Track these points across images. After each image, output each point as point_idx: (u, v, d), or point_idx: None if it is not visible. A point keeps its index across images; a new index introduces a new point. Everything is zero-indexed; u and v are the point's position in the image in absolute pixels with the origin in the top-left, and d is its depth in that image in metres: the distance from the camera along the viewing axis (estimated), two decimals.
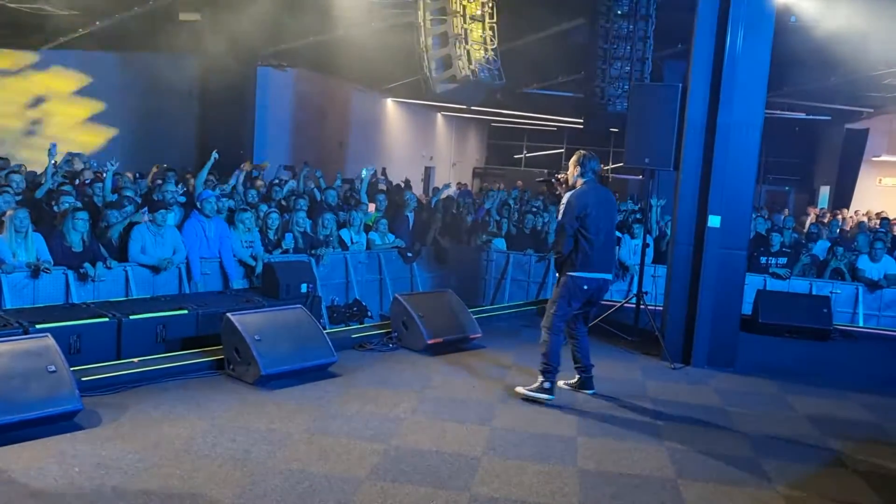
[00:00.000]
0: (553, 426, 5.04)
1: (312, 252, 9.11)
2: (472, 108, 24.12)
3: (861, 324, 9.50)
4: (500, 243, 11.05)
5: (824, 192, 24.41)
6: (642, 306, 7.54)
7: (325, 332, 6.20)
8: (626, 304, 7.58)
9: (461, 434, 4.82)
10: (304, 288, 7.14)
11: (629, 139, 7.11)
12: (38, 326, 5.48)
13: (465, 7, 7.96)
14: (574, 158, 5.62)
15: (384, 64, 15.65)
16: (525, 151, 32.95)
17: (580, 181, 5.54)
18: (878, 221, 14.40)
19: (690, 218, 6.79)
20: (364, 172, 10.77)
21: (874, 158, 21.61)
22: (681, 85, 6.76)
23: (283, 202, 10.38)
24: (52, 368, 4.57)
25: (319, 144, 18.49)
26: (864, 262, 9.99)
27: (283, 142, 17.57)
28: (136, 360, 5.60)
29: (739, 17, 6.49)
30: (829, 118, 21.58)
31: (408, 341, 6.80)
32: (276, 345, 5.62)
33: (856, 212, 18.99)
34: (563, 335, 5.57)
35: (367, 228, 10.20)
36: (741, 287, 6.85)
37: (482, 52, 8.34)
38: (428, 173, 26.47)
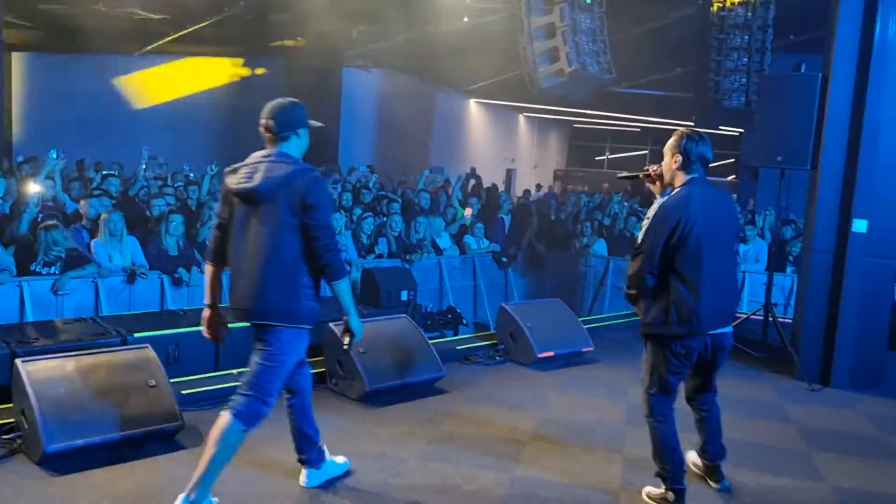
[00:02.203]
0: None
1: (406, 257, 8.75)
2: (556, 108, 23.61)
3: None
4: (600, 248, 10.47)
5: None
6: (771, 319, 6.86)
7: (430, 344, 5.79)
8: (752, 317, 6.91)
9: (592, 463, 4.32)
10: (404, 295, 6.77)
11: (757, 135, 6.46)
12: (136, 335, 5.24)
13: None
14: (672, 141, 3.67)
15: (470, 63, 15.31)
16: (608, 153, 32.12)
17: (681, 177, 3.63)
18: None
19: (831, 223, 6.11)
20: (440, 177, 10.27)
21: None
22: (821, 74, 6.07)
23: (374, 204, 10.06)
24: (153, 382, 4.29)
25: (402, 146, 18.21)
26: None
27: (367, 142, 17.37)
28: (235, 371, 5.30)
29: (891, 3, 5.78)
30: None
31: (516, 354, 6.33)
32: (382, 358, 5.23)
33: None
34: (671, 418, 3.76)
35: (463, 231, 9.79)
36: (891, 300, 6.13)
37: (591, 43, 7.82)
38: (510, 175, 25.96)
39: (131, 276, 6.80)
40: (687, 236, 3.49)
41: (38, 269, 6.49)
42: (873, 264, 6.00)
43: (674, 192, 3.63)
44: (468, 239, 9.63)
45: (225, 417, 3.29)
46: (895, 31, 5.81)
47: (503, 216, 10.33)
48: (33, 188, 7.25)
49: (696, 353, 3.65)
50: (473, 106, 22.80)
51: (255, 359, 3.39)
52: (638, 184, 4.23)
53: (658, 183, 3.78)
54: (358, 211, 9.12)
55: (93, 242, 6.93)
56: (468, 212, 9.86)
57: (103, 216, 6.92)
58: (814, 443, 4.90)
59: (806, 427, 5.19)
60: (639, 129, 28.80)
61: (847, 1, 5.95)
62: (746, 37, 8.87)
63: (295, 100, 3.46)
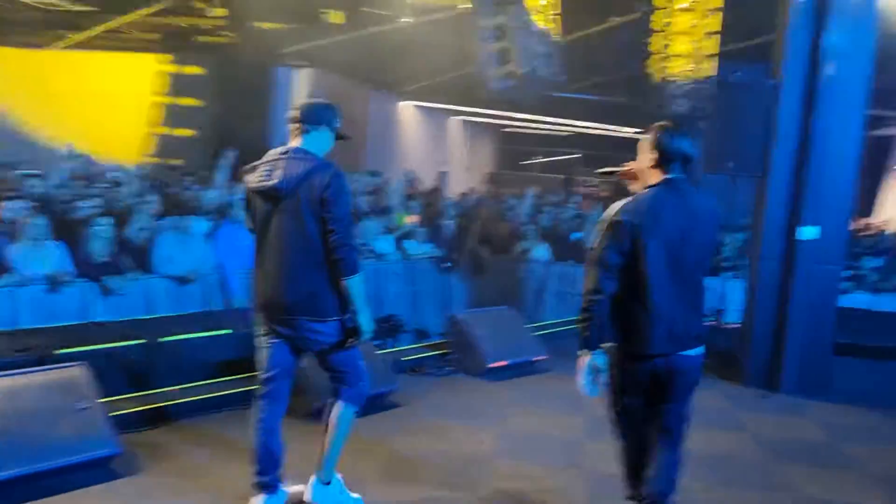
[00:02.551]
0: None
1: None
2: (486, 111, 23.60)
3: None
4: (540, 252, 10.37)
5: None
6: (716, 324, 6.87)
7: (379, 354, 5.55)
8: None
9: (557, 481, 4.16)
10: None
11: (709, 141, 6.44)
12: (61, 352, 4.81)
13: None
14: (649, 137, 3.18)
15: (408, 64, 15.08)
16: (538, 156, 32.39)
17: (656, 176, 3.14)
18: None
19: (780, 230, 6.13)
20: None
21: None
22: (773, 82, 6.09)
23: None
24: (84, 405, 3.92)
25: (338, 147, 17.82)
26: None
27: None
28: (176, 388, 4.94)
29: (841, 10, 5.84)
30: None
31: (467, 364, 6.14)
32: None
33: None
34: (635, 444, 3.35)
35: (403, 235, 9.55)
36: (835, 306, 6.19)
37: (542, 45, 7.72)
38: (442, 178, 25.81)
39: (54, 285, 6.32)
40: (644, 244, 2.98)
41: None
42: (820, 271, 6.05)
43: (639, 193, 3.14)
44: (407, 244, 9.40)
45: (334, 407, 3.52)
46: (844, 38, 5.86)
47: (445, 221, 10.14)
48: None
49: (651, 376, 3.13)
50: (407, 108, 22.58)
51: (317, 354, 3.50)
52: (612, 179, 3.46)
53: (639, 181, 3.25)
54: None
55: (10, 247, 6.41)
56: (412, 219, 9.64)
57: (23, 220, 6.42)
58: (771, 452, 4.87)
59: (760, 435, 5.16)
60: (570, 134, 29.14)
61: (796, 11, 5.98)
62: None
63: (330, 102, 3.55)
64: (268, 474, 3.51)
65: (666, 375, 3.12)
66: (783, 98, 6.04)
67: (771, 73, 6.18)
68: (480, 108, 21.61)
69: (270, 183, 3.30)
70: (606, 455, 3.63)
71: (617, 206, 3.11)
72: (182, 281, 7.12)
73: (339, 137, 3.54)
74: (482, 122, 27.89)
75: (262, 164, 3.39)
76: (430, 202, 11.25)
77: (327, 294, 3.33)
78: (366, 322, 3.40)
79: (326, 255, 3.29)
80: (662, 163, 3.13)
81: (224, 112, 14.89)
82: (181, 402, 4.79)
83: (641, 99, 10.08)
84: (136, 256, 7.04)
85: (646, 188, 3.16)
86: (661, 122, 3.23)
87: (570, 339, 7.59)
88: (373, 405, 5.04)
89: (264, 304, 3.44)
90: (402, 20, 10.84)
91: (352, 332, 3.41)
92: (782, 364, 6.13)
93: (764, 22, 7.04)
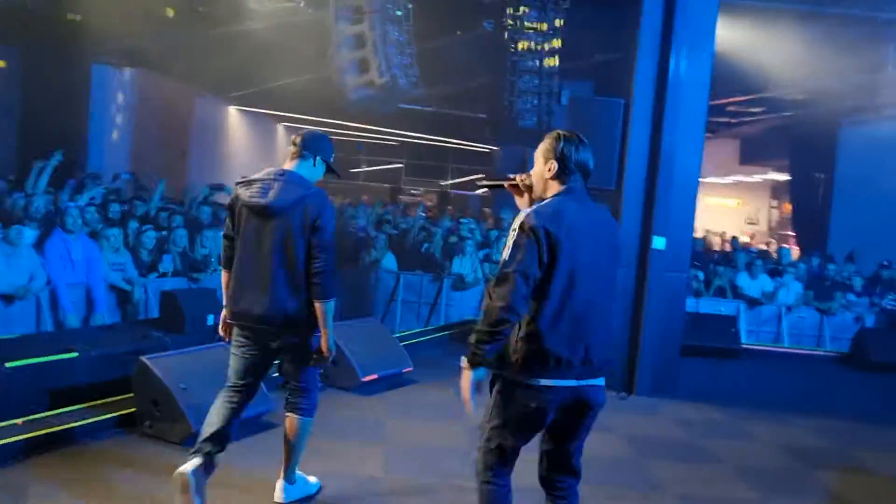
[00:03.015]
0: None
1: (193, 275, 7.99)
2: (313, 119, 23.35)
3: (743, 340, 9.73)
4: (389, 262, 10.35)
5: None
6: None
7: None
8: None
9: (455, 493, 4.14)
10: (210, 320, 6.10)
11: None
12: None
13: (384, 7, 7.29)
14: (546, 145, 2.98)
15: (234, 68, 14.57)
16: (363, 165, 32.45)
17: (555, 187, 2.93)
18: (729, 241, 15.12)
19: (633, 240, 6.51)
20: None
21: (702, 180, 23.05)
22: (623, 101, 6.47)
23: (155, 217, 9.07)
24: None
25: (163, 152, 16.82)
26: (742, 280, 10.33)
27: (123, 149, 15.80)
28: (19, 421, 4.40)
29: (683, 37, 6.32)
30: None
31: (337, 379, 5.96)
32: (207, 393, 4.62)
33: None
34: (508, 483, 2.97)
35: None
36: (683, 311, 6.67)
37: (400, 55, 7.70)
38: None
39: None
40: (556, 260, 2.73)
41: None
42: (670, 278, 6.49)
43: (543, 202, 2.88)
44: None
45: (293, 419, 3.75)
46: (686, 65, 6.35)
47: None
48: None
49: (552, 409, 2.81)
50: (234, 113, 21.78)
51: (288, 364, 3.74)
52: (503, 188, 3.20)
53: (526, 195, 3.05)
54: (134, 224, 8.16)
55: None
56: None
57: None
58: (640, 451, 5.15)
59: (627, 435, 5.44)
60: (397, 143, 29.40)
61: (646, 35, 6.40)
62: (537, 60, 9.35)
63: (328, 137, 3.83)
64: (212, 444, 3.62)
65: (573, 409, 2.82)
66: (634, 117, 6.43)
67: (623, 91, 6.56)
68: (312, 115, 21.32)
69: (265, 201, 3.48)
70: None
71: (527, 212, 2.82)
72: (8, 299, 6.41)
73: (329, 171, 3.77)
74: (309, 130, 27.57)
75: (258, 180, 3.56)
76: None
77: (305, 312, 3.55)
78: (331, 343, 3.64)
79: (307, 277, 3.51)
80: (564, 173, 2.89)
81: (33, 111, 13.60)
82: (31, 437, 4.27)
83: (488, 112, 10.35)
84: None
85: (545, 199, 2.90)
86: (561, 131, 3.01)
87: (430, 348, 7.70)
88: (248, 427, 4.79)
89: (243, 314, 3.60)
90: (247, 23, 10.45)
91: (318, 350, 3.65)
92: (637, 366, 6.50)
93: (602, 43, 7.49)
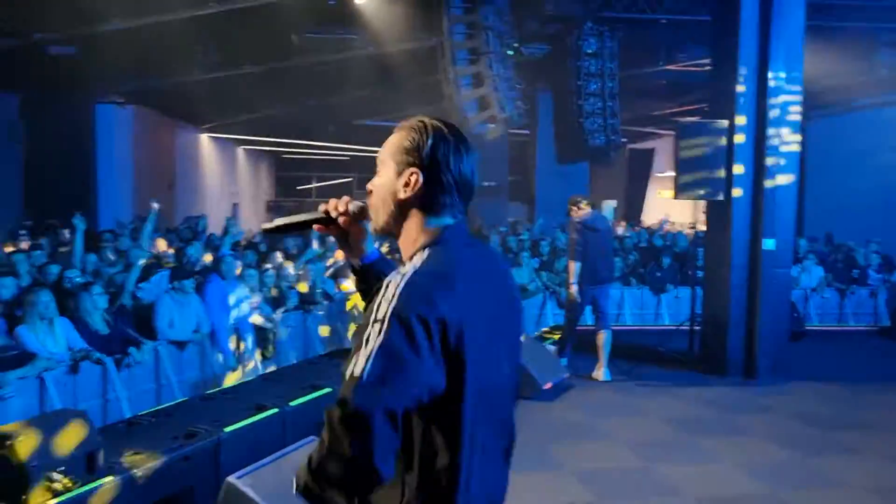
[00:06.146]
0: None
1: (307, 307, 8.38)
2: (265, 139, 23.58)
3: None
4: None
5: (608, 205, 27.10)
6: (685, 327, 7.97)
7: None
8: (680, 328, 7.94)
9: None
10: None
11: (679, 172, 7.50)
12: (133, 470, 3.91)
13: (497, 48, 7.86)
14: (400, 140, 1.66)
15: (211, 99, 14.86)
16: (314, 181, 32.58)
17: (418, 222, 1.65)
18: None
19: (744, 244, 7.36)
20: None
21: (659, 175, 24.51)
22: (728, 122, 7.31)
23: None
24: None
25: (159, 187, 16.79)
26: None
27: (126, 187, 15.73)
28: None
29: (778, 60, 7.20)
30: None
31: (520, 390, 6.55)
32: None
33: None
34: None
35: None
36: (789, 302, 7.57)
37: (510, 90, 8.29)
38: (235, 209, 25.14)
39: (75, 365, 5.69)
40: (461, 374, 1.50)
41: None
42: (778, 274, 7.38)
43: (426, 258, 1.57)
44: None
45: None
46: (782, 83, 7.23)
47: None
48: None
49: None
50: (205, 140, 21.75)
51: None
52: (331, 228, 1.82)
53: (352, 234, 1.80)
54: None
55: (17, 330, 5.64)
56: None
57: (28, 298, 5.68)
58: (808, 427, 5.98)
59: (782, 411, 6.25)
60: (347, 158, 29.64)
61: (744, 60, 7.25)
62: (599, 84, 10.13)
63: None
64: None
65: None
66: (738, 134, 7.30)
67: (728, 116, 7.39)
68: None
69: None
70: None
71: (395, 283, 1.49)
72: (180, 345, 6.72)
73: None
74: (263, 150, 27.57)
75: None
76: None
77: None
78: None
79: None
80: (435, 193, 1.63)
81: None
82: None
83: (566, 132, 10.99)
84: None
85: (416, 243, 1.64)
86: (428, 119, 1.69)
87: None
88: None
89: None
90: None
91: None
92: (755, 354, 7.35)
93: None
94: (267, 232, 1.82)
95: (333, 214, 1.76)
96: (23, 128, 13.70)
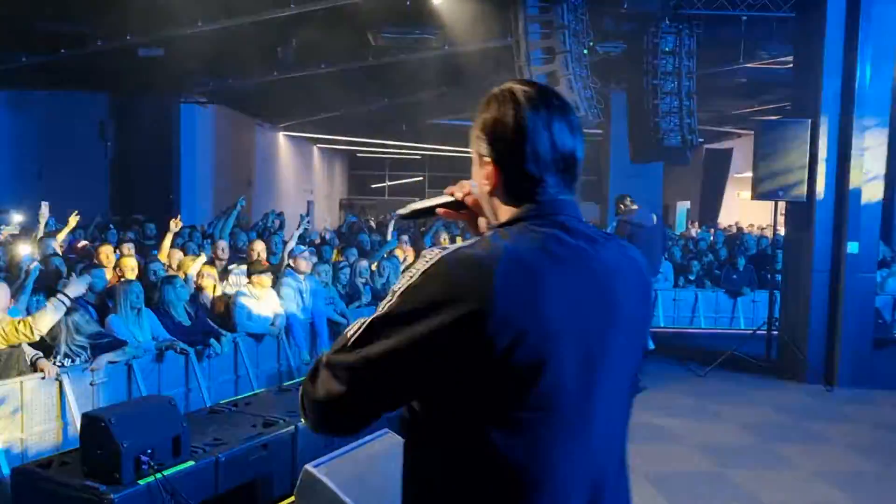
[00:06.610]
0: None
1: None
2: (340, 137, 23.98)
3: None
4: None
5: (682, 206, 26.55)
6: (764, 333, 7.78)
7: None
8: (757, 332, 7.77)
9: None
10: None
11: (758, 173, 7.32)
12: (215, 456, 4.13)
13: (573, 46, 7.86)
14: (485, 119, 1.46)
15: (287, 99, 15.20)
16: (387, 180, 32.95)
17: (505, 208, 1.44)
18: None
19: (826, 247, 7.15)
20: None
21: (737, 175, 23.88)
22: (810, 120, 7.11)
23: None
24: None
25: (238, 185, 17.32)
26: None
27: (206, 186, 16.28)
28: None
29: (866, 54, 6.96)
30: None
31: None
32: None
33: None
34: None
35: None
36: (873, 307, 7.32)
37: (585, 90, 8.29)
38: (309, 207, 25.66)
39: (160, 354, 5.95)
40: (545, 361, 1.28)
41: (57, 363, 5.42)
42: (862, 279, 7.14)
43: (479, 240, 1.37)
44: None
45: None
46: (870, 77, 6.99)
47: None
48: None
49: None
50: (282, 139, 22.29)
51: None
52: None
53: (476, 216, 1.56)
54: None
55: (109, 319, 5.92)
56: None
57: (121, 288, 5.97)
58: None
59: (862, 422, 6.04)
60: (419, 157, 29.93)
61: (830, 56, 7.03)
62: (675, 82, 10.03)
63: None
64: None
65: None
66: (821, 133, 7.09)
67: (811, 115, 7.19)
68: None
69: None
70: None
71: (433, 260, 1.32)
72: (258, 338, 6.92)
73: None
74: (337, 149, 28.08)
75: None
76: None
77: None
78: None
79: None
80: (520, 175, 1.42)
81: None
82: None
83: (639, 131, 10.90)
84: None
85: (494, 230, 1.44)
86: (516, 84, 1.47)
87: None
88: None
89: None
90: None
91: None
92: (837, 360, 7.13)
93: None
94: (403, 217, 1.70)
95: (459, 196, 1.55)
96: (112, 126, 14.32)
